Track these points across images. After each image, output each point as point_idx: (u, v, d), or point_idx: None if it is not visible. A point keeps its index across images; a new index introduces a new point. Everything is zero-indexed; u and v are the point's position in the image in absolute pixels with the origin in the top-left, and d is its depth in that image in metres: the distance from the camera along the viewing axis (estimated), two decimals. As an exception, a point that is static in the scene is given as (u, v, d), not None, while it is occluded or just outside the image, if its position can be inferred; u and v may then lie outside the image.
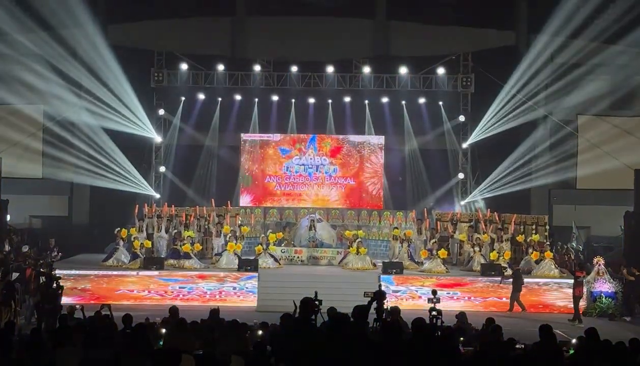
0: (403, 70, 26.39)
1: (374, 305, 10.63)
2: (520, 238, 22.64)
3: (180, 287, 20.61)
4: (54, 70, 25.62)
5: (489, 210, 24.45)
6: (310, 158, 27.00)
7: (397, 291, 20.32)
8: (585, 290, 19.51)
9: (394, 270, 20.89)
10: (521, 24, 28.18)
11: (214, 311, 12.94)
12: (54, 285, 16.63)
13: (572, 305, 19.24)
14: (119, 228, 22.31)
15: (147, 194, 26.45)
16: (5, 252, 21.31)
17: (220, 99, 27.22)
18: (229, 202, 24.97)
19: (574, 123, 28.05)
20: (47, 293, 16.52)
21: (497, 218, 23.65)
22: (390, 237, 23.90)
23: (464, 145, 27.22)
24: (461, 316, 14.27)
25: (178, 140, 27.44)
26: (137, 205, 23.98)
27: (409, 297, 20.35)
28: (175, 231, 22.76)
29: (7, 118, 26.91)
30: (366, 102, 27.07)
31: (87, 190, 27.69)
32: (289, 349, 8.08)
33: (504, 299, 20.33)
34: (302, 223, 24.56)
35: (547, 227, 23.54)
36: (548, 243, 22.42)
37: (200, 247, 22.72)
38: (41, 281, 17.32)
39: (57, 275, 17.46)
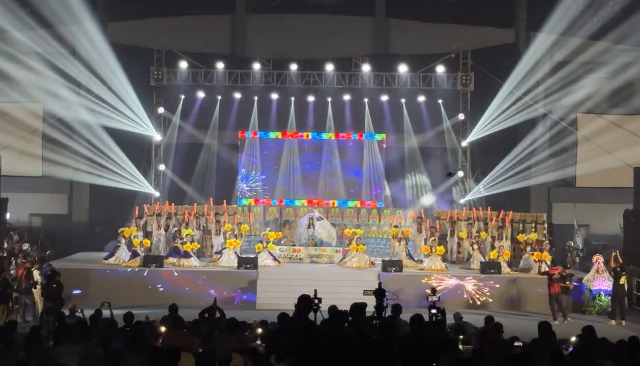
0: (402, 68, 26.40)
1: (374, 303, 10.65)
2: (520, 237, 22.64)
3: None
4: (53, 68, 25.60)
5: (489, 208, 24.47)
6: (310, 157, 27.02)
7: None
8: (586, 287, 19.50)
9: (394, 268, 20.90)
10: (520, 21, 28.18)
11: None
12: (56, 278, 16.66)
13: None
14: (122, 228, 22.27)
15: (147, 192, 26.48)
16: (5, 250, 21.34)
17: (219, 97, 27.23)
18: (224, 201, 24.95)
19: (574, 122, 28.07)
20: (48, 291, 16.54)
21: (497, 217, 23.66)
22: (390, 235, 23.92)
23: (464, 143, 27.23)
24: (457, 315, 14.31)
25: (178, 138, 27.43)
26: (137, 207, 23.96)
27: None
28: (175, 229, 22.77)
29: (7, 117, 26.92)
30: (366, 100, 27.06)
31: (86, 188, 27.73)
32: (288, 348, 8.09)
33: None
34: (301, 222, 24.57)
35: (546, 225, 23.55)
36: (547, 241, 22.42)
37: (199, 246, 22.70)
38: (35, 279, 17.35)
39: (56, 271, 17.49)
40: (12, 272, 18.88)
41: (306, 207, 25.90)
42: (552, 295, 18.91)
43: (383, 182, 27.04)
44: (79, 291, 19.12)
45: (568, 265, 20.62)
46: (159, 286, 20.24)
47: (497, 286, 20.34)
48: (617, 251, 19.75)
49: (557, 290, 18.90)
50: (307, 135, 27.03)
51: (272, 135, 27.14)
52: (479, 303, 19.97)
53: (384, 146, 26.99)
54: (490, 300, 20.15)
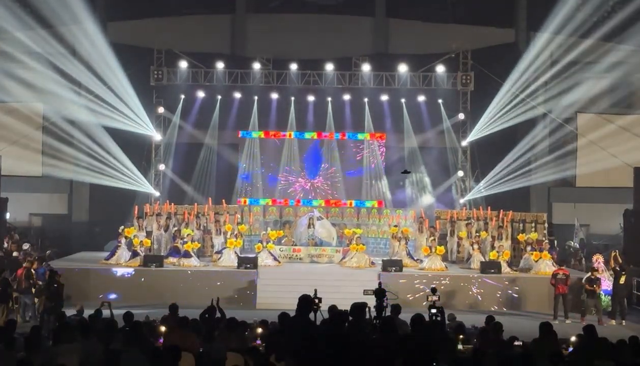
0: (402, 68, 26.40)
1: (374, 302, 10.65)
2: (520, 237, 22.64)
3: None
4: (54, 68, 25.62)
5: (489, 208, 24.46)
6: (310, 156, 27.02)
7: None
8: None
9: (394, 268, 20.90)
10: (521, 21, 28.20)
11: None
12: (56, 278, 16.66)
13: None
14: (122, 227, 22.27)
15: (147, 192, 26.47)
16: (5, 249, 21.34)
17: (219, 97, 27.24)
18: (223, 200, 24.95)
19: (574, 121, 28.08)
20: (48, 291, 16.54)
21: (497, 217, 23.66)
22: (390, 235, 23.91)
23: (464, 143, 27.22)
24: (450, 315, 14.30)
25: (178, 138, 27.44)
26: (137, 207, 23.95)
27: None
28: (175, 229, 22.76)
29: (7, 117, 26.93)
30: (366, 100, 27.05)
31: (86, 188, 27.75)
32: (288, 347, 8.09)
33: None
34: (301, 222, 24.56)
35: (546, 225, 23.54)
36: (547, 241, 22.41)
37: (199, 245, 22.68)
38: (34, 279, 17.35)
39: (55, 270, 17.49)
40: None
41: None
42: (558, 295, 18.92)
43: (382, 182, 27.03)
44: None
45: (595, 267, 20.51)
46: None
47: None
48: (617, 251, 19.75)
49: (562, 290, 18.90)
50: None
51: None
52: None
53: (384, 147, 27.01)
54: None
